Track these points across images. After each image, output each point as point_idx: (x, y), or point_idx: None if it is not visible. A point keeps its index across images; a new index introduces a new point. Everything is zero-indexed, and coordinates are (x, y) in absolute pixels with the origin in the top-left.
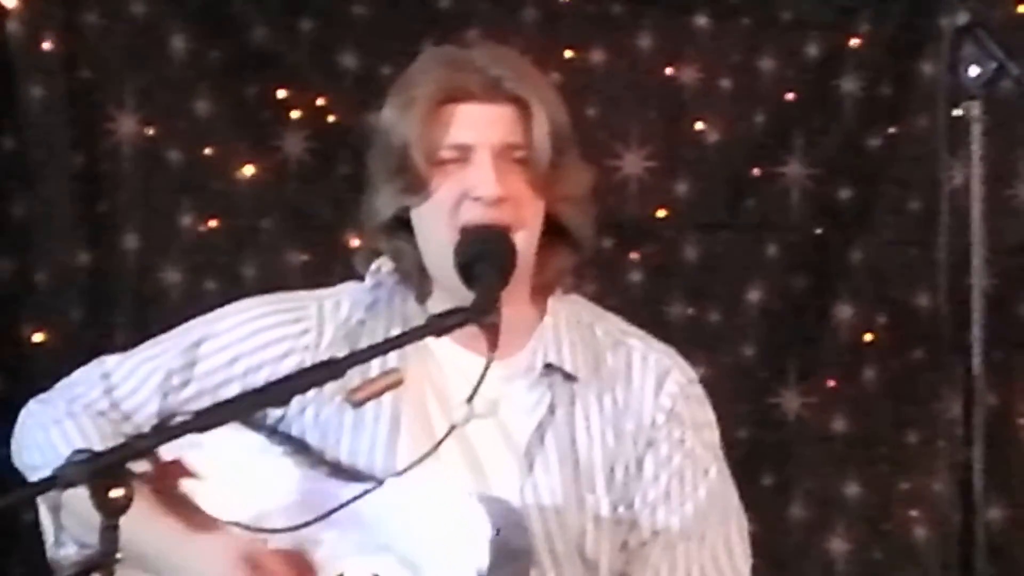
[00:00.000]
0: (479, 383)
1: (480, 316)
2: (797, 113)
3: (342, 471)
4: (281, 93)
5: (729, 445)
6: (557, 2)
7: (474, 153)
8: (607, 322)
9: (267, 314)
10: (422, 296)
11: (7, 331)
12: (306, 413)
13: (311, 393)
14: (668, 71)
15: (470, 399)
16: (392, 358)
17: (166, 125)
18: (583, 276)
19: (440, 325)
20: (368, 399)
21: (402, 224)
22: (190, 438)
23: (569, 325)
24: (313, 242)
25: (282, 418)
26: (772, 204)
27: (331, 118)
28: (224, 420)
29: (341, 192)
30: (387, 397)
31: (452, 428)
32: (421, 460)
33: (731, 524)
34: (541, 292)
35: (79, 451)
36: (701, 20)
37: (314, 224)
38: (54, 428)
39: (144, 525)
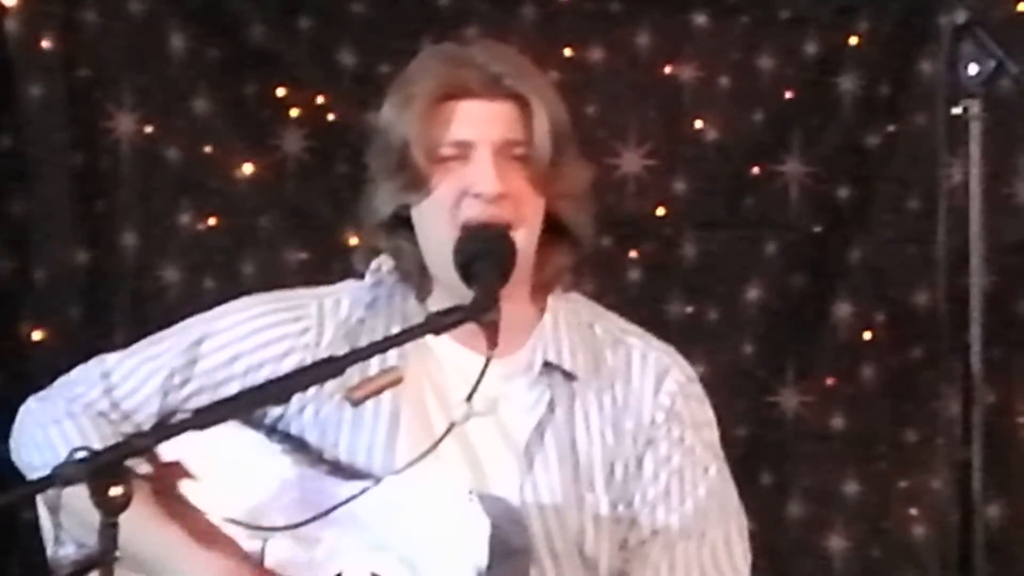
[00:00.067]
0: (478, 381)
1: (480, 314)
2: (796, 111)
3: (341, 469)
4: (280, 91)
5: (728, 443)
6: (556, 0)
7: (474, 150)
8: (606, 320)
9: (267, 312)
10: (422, 294)
11: (6, 329)
12: (305, 411)
13: (311, 391)
14: (667, 69)
15: (469, 397)
16: (392, 356)
17: (165, 123)
18: (582, 274)
19: (439, 323)
20: (367, 397)
21: (402, 222)
22: (189, 436)
23: (569, 323)
24: (312, 240)
25: (281, 416)
26: (771, 202)
27: (330, 116)
28: (224, 418)
29: (340, 190)
30: (386, 395)
31: (451, 426)
32: (420, 458)
33: (731, 522)
34: (541, 290)
35: (78, 450)
36: (700, 18)
37: (313, 222)
38: (53, 428)
39: (143, 530)
